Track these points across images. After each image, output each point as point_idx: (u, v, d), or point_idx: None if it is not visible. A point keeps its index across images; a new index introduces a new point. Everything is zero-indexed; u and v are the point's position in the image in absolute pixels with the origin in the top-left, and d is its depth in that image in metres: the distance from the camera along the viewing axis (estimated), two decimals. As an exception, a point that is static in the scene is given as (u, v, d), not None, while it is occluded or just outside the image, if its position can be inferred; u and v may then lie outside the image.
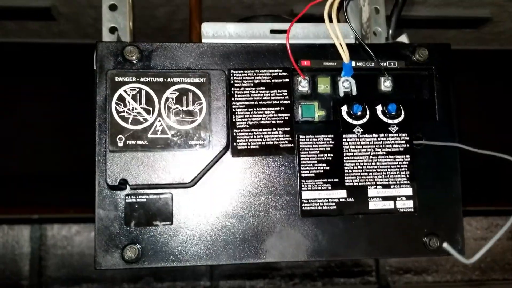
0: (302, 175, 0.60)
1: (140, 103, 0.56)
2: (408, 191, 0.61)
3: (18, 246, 1.89)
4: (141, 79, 0.57)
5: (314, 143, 0.61)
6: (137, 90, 0.56)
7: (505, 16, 1.86)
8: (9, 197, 1.90)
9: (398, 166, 0.61)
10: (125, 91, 0.56)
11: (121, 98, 0.56)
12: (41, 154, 1.93)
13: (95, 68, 0.58)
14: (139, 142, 0.56)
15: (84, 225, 1.92)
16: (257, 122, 0.60)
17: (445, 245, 0.34)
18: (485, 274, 2.06)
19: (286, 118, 0.60)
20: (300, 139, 0.60)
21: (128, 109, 0.56)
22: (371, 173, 0.61)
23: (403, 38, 0.69)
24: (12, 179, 1.91)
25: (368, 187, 0.60)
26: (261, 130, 0.60)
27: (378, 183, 0.61)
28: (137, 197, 0.58)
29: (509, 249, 2.08)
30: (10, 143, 1.92)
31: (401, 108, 0.62)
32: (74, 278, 1.90)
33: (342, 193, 0.60)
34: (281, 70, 0.61)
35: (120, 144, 0.55)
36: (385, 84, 0.63)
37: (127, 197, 0.57)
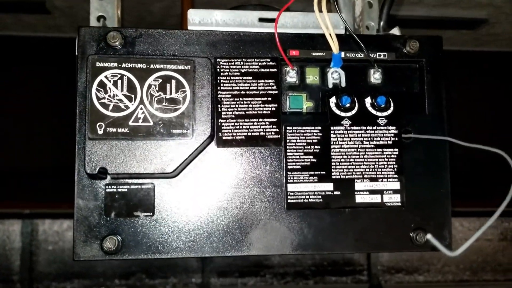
0: (289, 167, 0.59)
1: (122, 90, 0.55)
2: (396, 185, 0.59)
3: (9, 241, 1.87)
4: (123, 65, 0.55)
5: (302, 135, 0.59)
6: (119, 76, 0.55)
7: (502, 18, 1.85)
8: (0, 192, 1.88)
9: (386, 159, 0.60)
10: (106, 77, 0.55)
11: (101, 84, 0.54)
12: (34, 148, 1.91)
13: (76, 53, 0.57)
14: (119, 130, 0.54)
15: (75, 220, 1.90)
16: (243, 112, 0.58)
17: (428, 236, 0.33)
18: (476, 275, 2.06)
19: (273, 108, 0.59)
20: (287, 131, 0.59)
21: (109, 96, 0.54)
22: (358, 166, 0.59)
23: (395, 31, 0.67)
24: (3, 174, 1.89)
25: (355, 180, 0.59)
26: (247, 120, 0.58)
27: (365, 176, 0.59)
28: (118, 187, 0.56)
29: (500, 250, 2.07)
30: (1, 137, 1.90)
31: (391, 100, 0.60)
32: (65, 273, 1.88)
33: (328, 186, 0.59)
34: (269, 60, 0.60)
35: (100, 131, 0.54)
36: (375, 76, 0.61)
37: (107, 187, 0.56)
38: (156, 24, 1.87)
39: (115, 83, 0.55)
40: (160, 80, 0.55)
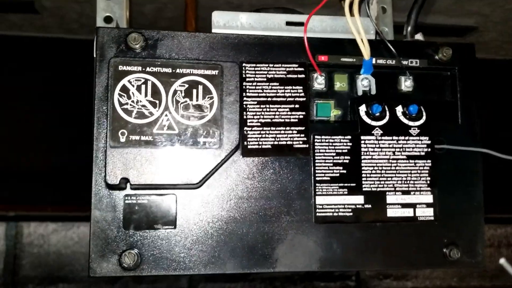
0: (317, 178, 0.56)
1: (146, 95, 0.51)
2: (429, 198, 0.57)
3: (-8, 243, 1.81)
4: (148, 69, 0.51)
5: (331, 144, 0.56)
6: (143, 80, 0.51)
7: (490, 26, 1.86)
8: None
9: (419, 171, 0.57)
10: (129, 81, 0.51)
11: (124, 89, 0.51)
12: (19, 150, 1.85)
13: (94, 56, 0.53)
14: (143, 137, 0.51)
15: (61, 224, 1.85)
16: (269, 120, 0.55)
17: (502, 261, 0.31)
18: (464, 281, 2.07)
19: (301, 116, 0.56)
20: (316, 140, 0.56)
21: (132, 101, 0.51)
22: (390, 178, 0.57)
23: (419, 37, 0.65)
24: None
25: (387, 193, 0.57)
26: (274, 128, 0.55)
27: (397, 189, 0.57)
28: (138, 198, 0.52)
29: (487, 256, 2.08)
30: (-15, 138, 1.84)
31: (422, 109, 0.58)
32: (50, 277, 1.83)
33: (359, 199, 0.56)
34: (296, 65, 0.57)
35: (122, 139, 0.50)
36: (406, 84, 0.59)
37: (126, 198, 0.52)
38: (147, 26, 1.83)
39: (138, 88, 0.51)
40: (186, 86, 0.52)
